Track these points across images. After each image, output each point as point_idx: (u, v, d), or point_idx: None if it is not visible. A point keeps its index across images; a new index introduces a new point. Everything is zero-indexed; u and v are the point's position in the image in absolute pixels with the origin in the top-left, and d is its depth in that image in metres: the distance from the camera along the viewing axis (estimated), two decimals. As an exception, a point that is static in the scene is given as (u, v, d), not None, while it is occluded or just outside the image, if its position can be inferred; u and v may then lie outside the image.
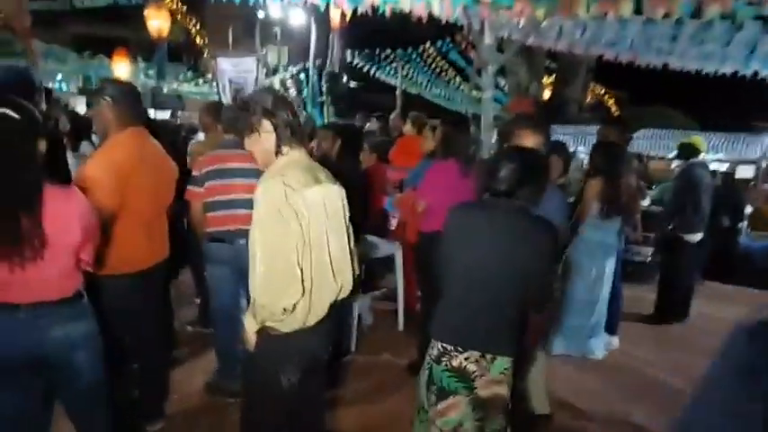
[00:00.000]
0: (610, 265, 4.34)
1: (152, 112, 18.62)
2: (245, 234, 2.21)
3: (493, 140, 6.19)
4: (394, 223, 4.96)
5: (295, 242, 2.03)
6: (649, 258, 6.24)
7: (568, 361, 4.32)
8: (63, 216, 2.08)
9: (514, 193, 2.15)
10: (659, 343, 4.90)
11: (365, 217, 4.33)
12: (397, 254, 4.75)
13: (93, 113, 2.95)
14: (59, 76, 17.85)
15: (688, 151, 5.50)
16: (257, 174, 3.51)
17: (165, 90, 17.74)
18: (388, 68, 15.32)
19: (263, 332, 2.13)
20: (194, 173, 3.42)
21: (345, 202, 2.30)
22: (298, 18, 16.53)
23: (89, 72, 17.30)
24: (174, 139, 5.62)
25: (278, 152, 2.14)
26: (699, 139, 5.75)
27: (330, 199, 2.20)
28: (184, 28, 11.72)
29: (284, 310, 2.04)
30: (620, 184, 4.33)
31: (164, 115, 20.43)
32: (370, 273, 4.77)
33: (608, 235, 4.30)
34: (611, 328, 4.62)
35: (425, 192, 3.95)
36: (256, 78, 10.26)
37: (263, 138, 2.13)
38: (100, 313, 2.76)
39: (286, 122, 2.12)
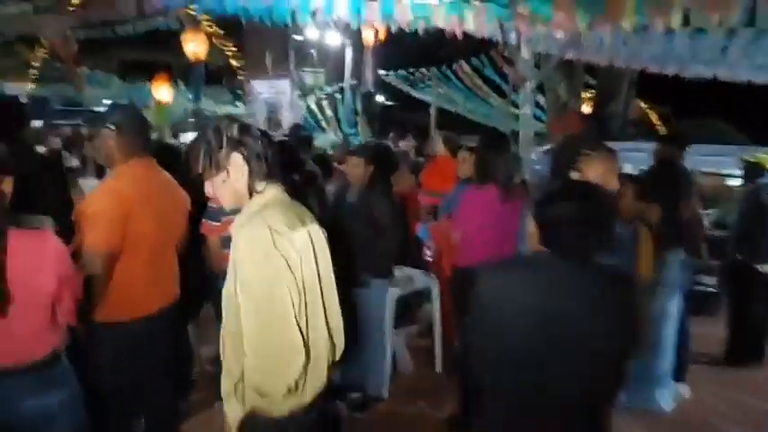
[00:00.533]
0: (674, 304, 3.80)
1: (191, 135, 18.93)
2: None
3: (533, 156, 5.76)
4: (429, 253, 4.53)
5: (290, 298, 1.63)
6: (713, 288, 5.60)
7: (631, 415, 3.69)
8: (32, 264, 1.75)
9: (579, 247, 1.61)
10: (732, 389, 4.28)
11: (405, 248, 3.93)
12: (433, 288, 4.31)
13: (96, 143, 2.65)
14: (104, 101, 18.21)
15: (754, 171, 4.91)
16: None
17: (204, 112, 17.93)
18: (422, 86, 15.00)
19: (250, 417, 1.67)
20: (210, 205, 3.09)
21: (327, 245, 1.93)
22: (333, 39, 16.45)
23: (131, 96, 17.56)
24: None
25: (252, 191, 1.74)
26: (766, 157, 5.15)
27: (319, 243, 1.83)
28: (221, 51, 11.70)
29: (288, 389, 1.61)
30: (681, 209, 3.81)
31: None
32: (404, 305, 4.34)
33: (670, 269, 3.76)
34: (678, 375, 4.04)
35: (460, 221, 3.53)
36: (290, 100, 10.06)
37: (234, 176, 1.71)
38: (96, 364, 2.44)
39: (258, 154, 1.72)
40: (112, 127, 2.56)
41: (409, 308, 4.70)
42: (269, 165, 1.74)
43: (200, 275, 3.31)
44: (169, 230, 2.71)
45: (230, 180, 1.71)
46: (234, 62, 11.66)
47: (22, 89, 13.33)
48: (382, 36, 9.68)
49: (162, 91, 12.71)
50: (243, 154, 1.70)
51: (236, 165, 1.71)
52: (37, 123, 12.67)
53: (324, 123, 15.56)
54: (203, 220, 3.13)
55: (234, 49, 11.65)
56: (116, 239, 2.42)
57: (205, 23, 10.39)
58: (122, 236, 2.45)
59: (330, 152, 9.11)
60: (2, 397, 1.74)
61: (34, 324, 1.78)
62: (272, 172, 1.76)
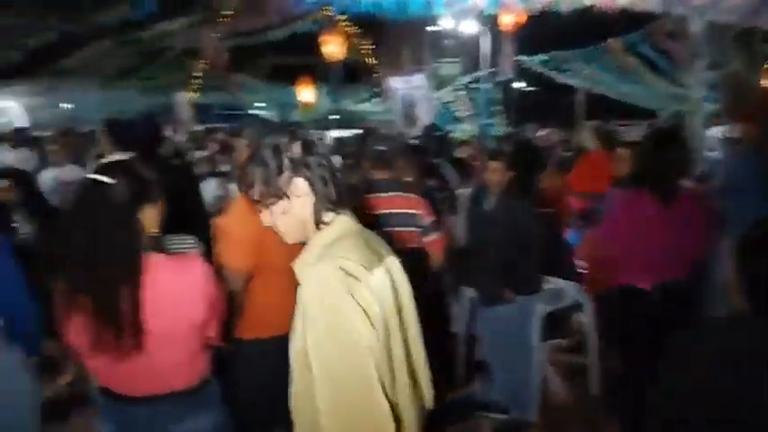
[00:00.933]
0: None
1: (336, 133, 19.62)
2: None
3: (707, 153, 4.93)
4: (581, 264, 4.03)
5: (374, 359, 1.31)
6: None
7: None
8: (179, 293, 1.67)
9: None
10: None
11: (553, 257, 3.50)
12: (585, 302, 3.81)
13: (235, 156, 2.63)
14: (256, 105, 19.57)
15: None
16: (414, 221, 3.00)
17: (343, 111, 18.46)
18: (565, 69, 13.94)
19: None
20: None
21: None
22: (470, 27, 15.92)
23: (280, 99, 18.62)
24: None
25: (318, 222, 1.45)
26: None
27: (399, 280, 1.52)
28: (358, 49, 11.85)
29: None
30: None
31: (345, 134, 21.37)
32: (552, 316, 3.90)
33: None
34: None
35: (615, 230, 3.00)
36: (425, 94, 9.85)
37: (297, 204, 1.44)
38: (236, 379, 2.41)
39: (325, 177, 1.44)
40: (247, 141, 2.50)
41: (558, 319, 4.25)
42: (338, 189, 1.46)
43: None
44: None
45: (293, 209, 1.45)
46: (370, 60, 11.74)
47: (188, 98, 14.65)
48: (521, 19, 9.07)
49: (305, 93, 13.26)
50: (307, 178, 1.43)
51: (300, 191, 1.43)
52: (198, 128, 13.84)
53: (460, 115, 15.16)
54: None
55: (370, 46, 11.71)
56: (251, 259, 2.37)
57: (342, 23, 10.51)
58: (257, 254, 2.38)
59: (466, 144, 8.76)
60: (155, 421, 1.70)
61: (181, 353, 1.71)
62: (341, 198, 1.48)
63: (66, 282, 1.62)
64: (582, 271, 3.99)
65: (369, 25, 12.09)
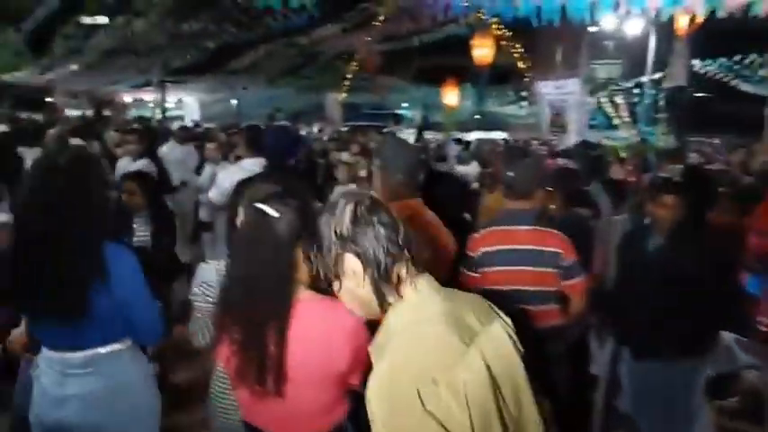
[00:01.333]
0: None
1: (477, 134, 19.23)
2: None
3: None
4: (763, 321, 3.35)
5: None
6: None
7: None
8: (325, 337, 1.55)
9: None
10: None
11: (726, 307, 2.92)
12: (764, 367, 3.17)
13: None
14: (404, 105, 19.90)
15: None
16: (554, 260, 2.60)
17: (487, 113, 18.03)
18: (751, 75, 12.18)
19: None
20: (469, 252, 2.63)
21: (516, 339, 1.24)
22: (634, 28, 14.58)
23: (426, 99, 18.73)
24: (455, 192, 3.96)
25: (382, 302, 1.19)
26: None
27: (502, 356, 1.18)
28: (509, 52, 11.40)
29: None
30: None
31: (486, 136, 20.87)
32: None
33: None
34: None
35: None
36: (578, 101, 9.14)
37: (351, 283, 1.21)
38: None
39: (384, 251, 1.17)
40: (379, 162, 2.38)
41: (726, 376, 3.60)
42: (404, 250, 1.20)
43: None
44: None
45: (350, 286, 1.22)
46: (521, 64, 11.23)
47: (339, 98, 15.27)
48: (699, 21, 8.02)
49: (450, 95, 13.14)
50: (357, 254, 1.19)
51: (351, 269, 1.21)
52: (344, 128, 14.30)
53: (617, 121, 13.99)
54: (460, 268, 2.62)
55: (521, 50, 11.20)
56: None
57: (494, 26, 10.15)
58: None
59: (622, 154, 7.97)
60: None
61: (321, 400, 1.59)
62: (415, 258, 1.21)
63: (219, 304, 1.60)
64: (763, 329, 3.32)
65: (521, 28, 11.60)
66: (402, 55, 15.37)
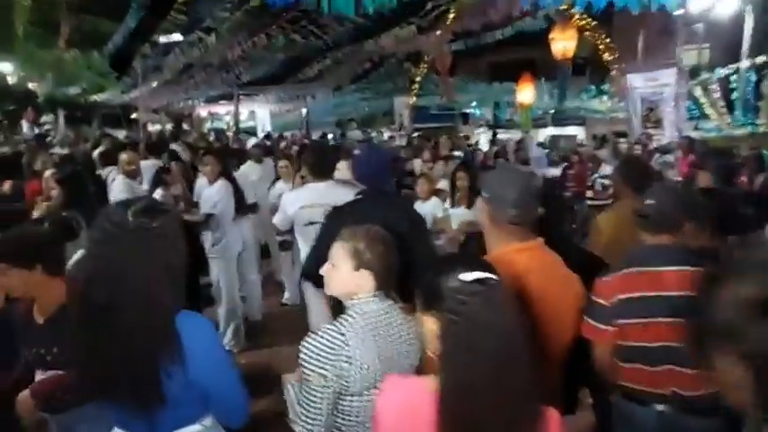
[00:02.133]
0: None
1: (552, 130, 18.23)
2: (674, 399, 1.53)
3: None
4: None
5: None
6: None
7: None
8: None
9: None
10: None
11: None
12: None
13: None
14: (474, 103, 19.21)
15: None
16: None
17: (566, 108, 17.03)
18: None
19: None
20: (598, 299, 2.05)
21: None
22: (726, 8, 13.21)
23: (498, 96, 17.99)
24: (561, 208, 3.53)
25: None
26: None
27: None
28: (590, 43, 10.53)
29: None
30: None
31: (564, 132, 19.81)
32: None
33: None
34: None
35: None
36: (676, 93, 8.22)
37: None
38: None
39: None
40: (486, 195, 1.94)
41: None
42: None
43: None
44: (554, 336, 1.91)
45: None
46: (606, 55, 10.36)
47: (408, 102, 14.87)
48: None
49: (525, 93, 12.42)
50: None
51: None
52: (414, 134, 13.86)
53: (710, 110, 12.72)
54: (586, 318, 2.06)
55: (606, 40, 10.33)
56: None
57: (577, 16, 9.40)
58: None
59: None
60: None
61: None
62: None
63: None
64: None
65: (603, 16, 10.74)
66: (470, 53, 14.79)
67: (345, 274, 1.77)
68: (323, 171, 3.37)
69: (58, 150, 9.36)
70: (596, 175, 7.25)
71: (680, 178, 6.77)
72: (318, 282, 2.75)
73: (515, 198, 1.86)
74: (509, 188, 1.88)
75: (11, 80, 14.59)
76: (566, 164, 8.05)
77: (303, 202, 3.28)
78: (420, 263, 2.68)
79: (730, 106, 13.52)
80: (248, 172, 6.15)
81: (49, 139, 14.00)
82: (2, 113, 16.11)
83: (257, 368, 4.37)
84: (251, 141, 6.69)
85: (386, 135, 13.47)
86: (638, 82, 8.69)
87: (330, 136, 15.32)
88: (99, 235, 1.47)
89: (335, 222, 2.74)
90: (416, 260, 2.65)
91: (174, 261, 1.51)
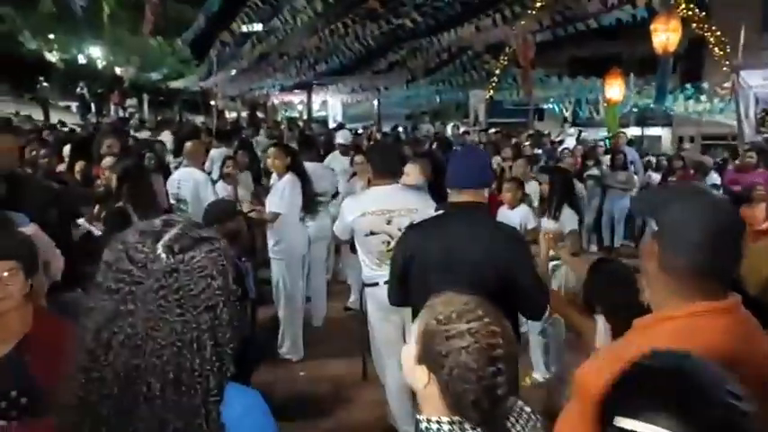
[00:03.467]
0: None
1: (634, 130, 16.81)
2: None
3: None
4: None
5: None
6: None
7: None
8: None
9: None
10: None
11: None
12: None
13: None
14: (551, 99, 18.04)
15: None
16: None
17: (657, 108, 15.60)
18: None
19: None
20: None
21: None
22: None
23: (579, 93, 16.79)
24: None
25: None
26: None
27: None
28: (692, 37, 9.34)
29: None
30: None
31: (647, 133, 18.25)
32: None
33: None
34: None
35: None
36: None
37: None
38: None
39: None
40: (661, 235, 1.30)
41: None
42: None
43: None
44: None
45: None
46: (717, 50, 9.15)
47: (485, 96, 14.07)
48: None
49: (614, 88, 11.31)
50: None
51: None
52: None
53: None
54: None
55: (717, 33, 9.10)
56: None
57: (681, 7, 8.31)
58: None
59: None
60: None
61: None
62: None
63: None
64: None
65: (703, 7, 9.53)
66: (550, 46, 13.76)
67: (411, 361, 1.20)
68: (388, 172, 2.99)
69: (134, 134, 9.37)
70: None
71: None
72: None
73: (705, 237, 1.22)
74: (696, 221, 1.24)
75: (100, 64, 15.01)
76: (664, 170, 7.10)
77: (364, 208, 2.89)
78: (524, 302, 2.10)
79: None
80: (332, 164, 5.72)
81: (133, 121, 14.34)
82: (91, 96, 16.68)
83: (318, 382, 3.92)
84: (341, 134, 6.23)
85: (461, 129, 12.76)
86: (754, 80, 7.52)
87: (400, 129, 14.81)
88: (114, 277, 0.97)
89: (411, 245, 2.20)
90: (521, 299, 2.08)
91: (222, 317, 0.99)
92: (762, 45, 17.32)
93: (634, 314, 2.31)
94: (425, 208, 2.74)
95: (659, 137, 21.18)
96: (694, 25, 9.18)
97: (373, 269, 2.94)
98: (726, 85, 11.97)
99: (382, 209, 2.85)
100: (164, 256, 0.93)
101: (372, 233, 2.87)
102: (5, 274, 1.61)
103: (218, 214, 2.87)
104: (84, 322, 0.97)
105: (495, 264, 2.03)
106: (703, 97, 12.86)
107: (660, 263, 1.29)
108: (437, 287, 2.06)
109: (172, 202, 4.53)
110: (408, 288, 2.19)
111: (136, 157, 5.00)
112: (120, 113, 17.89)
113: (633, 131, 16.56)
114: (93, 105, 17.71)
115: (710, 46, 9.26)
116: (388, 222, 2.84)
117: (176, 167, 5.98)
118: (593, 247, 7.34)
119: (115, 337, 0.94)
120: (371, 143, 6.43)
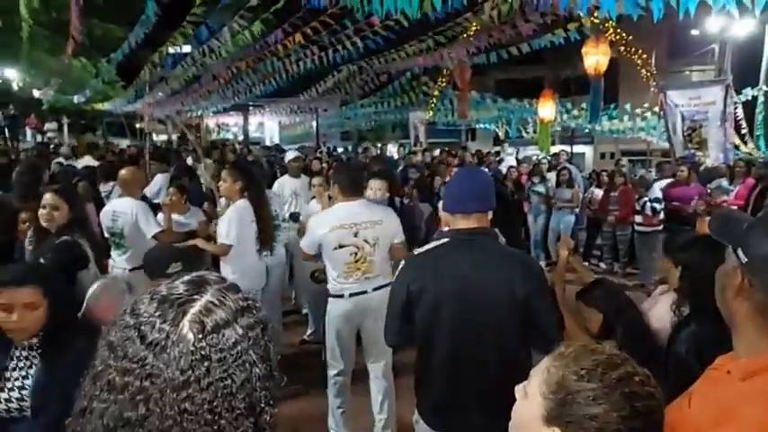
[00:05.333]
0: None
1: (558, 148, 17.48)
2: None
3: None
4: None
5: None
6: None
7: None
8: None
9: None
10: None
11: None
12: None
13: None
14: (481, 120, 18.45)
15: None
16: None
17: (574, 126, 16.33)
18: None
19: None
20: None
21: None
22: (741, 29, 12.50)
23: (507, 115, 17.28)
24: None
25: None
26: None
27: None
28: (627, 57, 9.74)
29: None
30: None
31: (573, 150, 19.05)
32: None
33: None
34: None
35: None
36: (723, 110, 7.46)
37: None
38: None
39: None
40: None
41: None
42: None
43: None
44: None
45: None
46: (644, 71, 9.61)
47: (424, 117, 14.15)
48: None
49: (547, 108, 11.68)
50: None
51: None
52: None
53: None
54: None
55: (644, 56, 9.57)
56: None
57: (611, 29, 8.66)
58: None
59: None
60: None
61: None
62: None
63: None
64: None
65: (638, 26, 10.02)
66: (482, 68, 14.11)
67: (532, 421, 0.94)
68: (354, 190, 3.13)
69: (62, 160, 8.55)
70: (645, 199, 6.43)
71: (738, 202, 6.03)
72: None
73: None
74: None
75: (15, 86, 13.76)
76: (606, 185, 7.25)
77: (333, 223, 3.02)
78: (539, 336, 1.88)
79: (751, 131, 12.80)
80: (285, 186, 5.41)
81: (52, 147, 13.18)
82: (5, 119, 15.29)
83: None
84: (290, 154, 5.89)
85: (397, 151, 12.64)
86: (680, 99, 7.92)
87: (340, 150, 14.56)
88: (121, 368, 0.64)
89: (417, 277, 1.95)
90: (535, 332, 1.87)
91: (265, 420, 0.68)
92: (671, 69, 18.66)
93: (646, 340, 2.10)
94: (389, 219, 3.12)
95: (583, 154, 22.27)
96: (622, 49, 9.61)
97: (340, 282, 3.07)
98: (645, 105, 12.69)
99: (349, 223, 2.99)
100: (191, 335, 0.62)
101: (341, 246, 2.99)
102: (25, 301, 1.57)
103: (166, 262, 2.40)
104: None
105: (513, 293, 1.82)
106: (626, 117, 13.53)
107: (755, 302, 1.09)
108: (452, 321, 1.82)
109: (106, 235, 3.98)
110: (413, 326, 1.92)
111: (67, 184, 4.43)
112: (39, 138, 16.50)
113: (557, 149, 17.27)
114: (6, 130, 16.24)
115: (637, 67, 9.70)
116: (355, 235, 3.00)
117: (106, 196, 5.40)
118: (541, 262, 7.38)
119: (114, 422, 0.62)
120: (335, 164, 6.19)
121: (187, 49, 11.94)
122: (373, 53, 10.93)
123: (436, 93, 13.22)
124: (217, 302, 0.66)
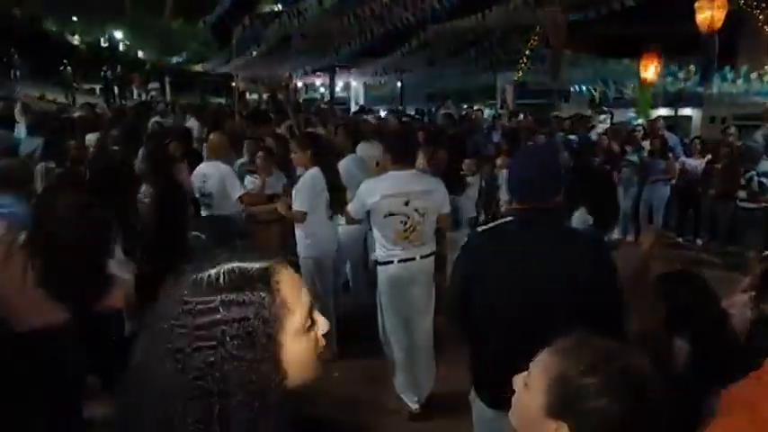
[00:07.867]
0: None
1: (662, 111, 16.11)
2: None
3: None
4: None
5: None
6: None
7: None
8: None
9: None
10: None
11: None
12: None
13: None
14: (576, 81, 17.36)
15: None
16: None
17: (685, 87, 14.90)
18: None
19: None
20: None
21: None
22: None
23: (607, 75, 16.15)
24: None
25: None
26: None
27: None
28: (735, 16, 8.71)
29: None
30: None
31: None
32: None
33: None
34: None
35: None
36: None
37: None
38: None
39: None
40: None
41: None
42: None
43: None
44: None
45: None
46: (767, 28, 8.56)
47: (513, 78, 13.57)
48: None
49: (650, 69, 10.78)
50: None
51: None
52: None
53: None
54: None
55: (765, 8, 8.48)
56: None
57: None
58: None
59: None
60: None
61: None
62: None
63: None
64: None
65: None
66: (585, 24, 13.16)
67: (534, 413, 0.95)
68: (405, 159, 3.15)
69: (158, 119, 9.12)
70: (753, 172, 5.83)
71: None
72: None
73: None
74: None
75: (122, 47, 14.81)
76: (709, 156, 6.64)
77: (384, 191, 3.05)
78: (601, 328, 1.81)
79: None
80: (366, 152, 5.20)
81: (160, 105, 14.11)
82: (114, 79, 16.54)
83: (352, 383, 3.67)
84: (382, 115, 5.71)
85: (486, 112, 12.26)
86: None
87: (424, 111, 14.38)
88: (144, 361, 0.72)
89: (474, 259, 1.93)
90: (598, 322, 1.79)
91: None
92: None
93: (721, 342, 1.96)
94: (438, 190, 3.15)
95: (690, 117, 20.23)
96: (742, 2, 8.58)
97: (389, 249, 3.11)
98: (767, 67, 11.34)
99: (400, 191, 3.03)
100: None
101: (391, 214, 3.03)
102: None
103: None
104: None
105: (574, 278, 1.74)
106: (740, 81, 12.18)
107: None
108: (511, 308, 1.80)
109: (196, 195, 4.30)
110: (473, 313, 1.91)
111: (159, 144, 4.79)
112: (143, 97, 17.76)
113: (662, 112, 15.87)
114: (116, 89, 17.60)
115: (759, 23, 8.65)
116: (406, 204, 3.03)
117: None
118: (630, 238, 6.97)
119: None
120: (388, 132, 5.90)
121: (280, 8, 12.19)
122: (462, 12, 10.58)
123: (527, 52, 12.60)
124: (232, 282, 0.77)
